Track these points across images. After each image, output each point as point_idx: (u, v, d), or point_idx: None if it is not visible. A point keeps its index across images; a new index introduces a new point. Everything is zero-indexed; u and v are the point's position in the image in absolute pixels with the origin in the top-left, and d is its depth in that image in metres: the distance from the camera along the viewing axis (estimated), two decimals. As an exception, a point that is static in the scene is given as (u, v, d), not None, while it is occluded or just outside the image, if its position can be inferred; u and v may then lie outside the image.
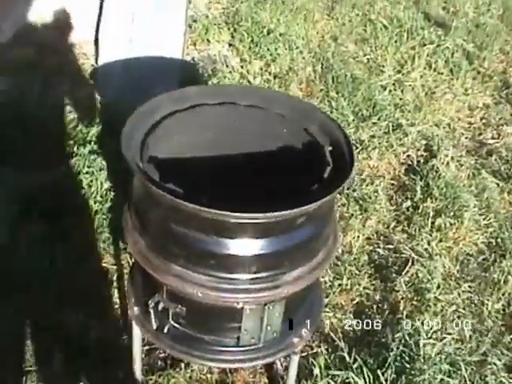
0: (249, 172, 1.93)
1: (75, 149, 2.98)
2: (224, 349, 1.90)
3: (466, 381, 2.29)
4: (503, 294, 2.64)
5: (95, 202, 2.73)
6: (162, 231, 1.75)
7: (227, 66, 3.77)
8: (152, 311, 1.88)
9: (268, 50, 3.87)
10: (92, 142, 3.05)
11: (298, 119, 1.97)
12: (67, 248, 2.55)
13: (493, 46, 4.36)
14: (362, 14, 4.38)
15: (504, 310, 2.61)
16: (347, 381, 2.22)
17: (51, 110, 3.21)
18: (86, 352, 2.26)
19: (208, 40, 3.97)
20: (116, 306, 2.46)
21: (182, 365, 2.29)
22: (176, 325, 1.89)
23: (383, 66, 4.00)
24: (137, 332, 2.06)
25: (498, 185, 3.23)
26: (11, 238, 2.58)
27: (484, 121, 3.78)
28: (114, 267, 2.57)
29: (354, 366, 2.24)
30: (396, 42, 4.15)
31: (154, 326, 1.91)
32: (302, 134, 1.93)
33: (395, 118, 3.54)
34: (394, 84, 3.85)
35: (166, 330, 1.89)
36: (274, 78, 3.76)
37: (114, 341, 2.34)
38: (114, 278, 2.54)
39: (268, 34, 3.95)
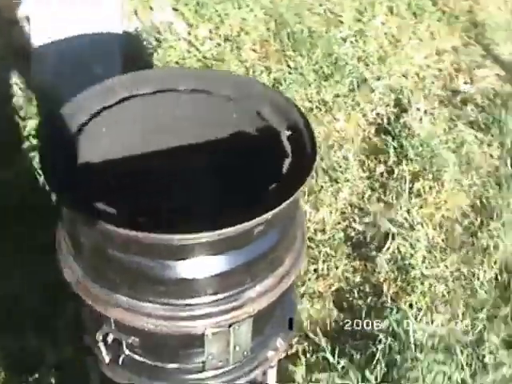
0: (195, 173, 1.65)
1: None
2: (189, 376, 1.67)
3: (462, 366, 2.08)
4: (495, 262, 2.41)
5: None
6: (99, 257, 1.49)
7: (173, 34, 3.45)
8: (102, 344, 1.63)
9: (216, 10, 3.55)
10: (31, 137, 2.74)
11: (249, 101, 1.70)
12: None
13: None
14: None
15: (497, 278, 2.39)
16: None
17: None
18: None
19: (151, 7, 3.63)
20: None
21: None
22: (132, 355, 1.65)
23: (341, 16, 3.70)
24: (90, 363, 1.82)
25: (476, 137, 2.99)
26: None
27: (455, 65, 3.51)
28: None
29: (339, 365, 2.02)
30: (353, -12, 3.85)
31: (107, 360, 1.66)
32: (255, 118, 1.66)
33: (359, 72, 3.27)
34: (354, 35, 3.55)
35: (120, 362, 1.65)
36: (225, 41, 3.45)
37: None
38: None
39: (214, -8, 3.62)
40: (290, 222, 1.57)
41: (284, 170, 1.50)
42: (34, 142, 2.69)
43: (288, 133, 1.59)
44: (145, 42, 3.37)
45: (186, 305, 1.48)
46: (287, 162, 1.52)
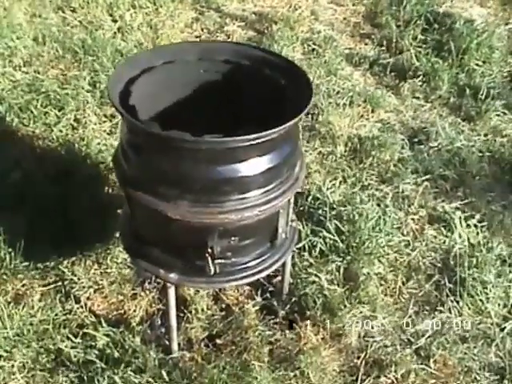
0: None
1: None
2: (265, 256, 2.27)
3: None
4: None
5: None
6: (207, 178, 2.00)
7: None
8: (210, 259, 2.10)
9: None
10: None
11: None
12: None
13: None
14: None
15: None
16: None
17: None
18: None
19: None
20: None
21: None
22: (223, 260, 2.14)
23: (100, 21, 4.27)
24: (172, 296, 2.28)
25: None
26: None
27: (206, 30, 4.37)
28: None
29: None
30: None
31: (212, 272, 2.13)
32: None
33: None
34: (120, 31, 4.22)
35: (218, 270, 2.14)
36: (26, 65, 3.82)
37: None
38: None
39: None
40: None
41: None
42: None
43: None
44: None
45: (271, 189, 2.09)
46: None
